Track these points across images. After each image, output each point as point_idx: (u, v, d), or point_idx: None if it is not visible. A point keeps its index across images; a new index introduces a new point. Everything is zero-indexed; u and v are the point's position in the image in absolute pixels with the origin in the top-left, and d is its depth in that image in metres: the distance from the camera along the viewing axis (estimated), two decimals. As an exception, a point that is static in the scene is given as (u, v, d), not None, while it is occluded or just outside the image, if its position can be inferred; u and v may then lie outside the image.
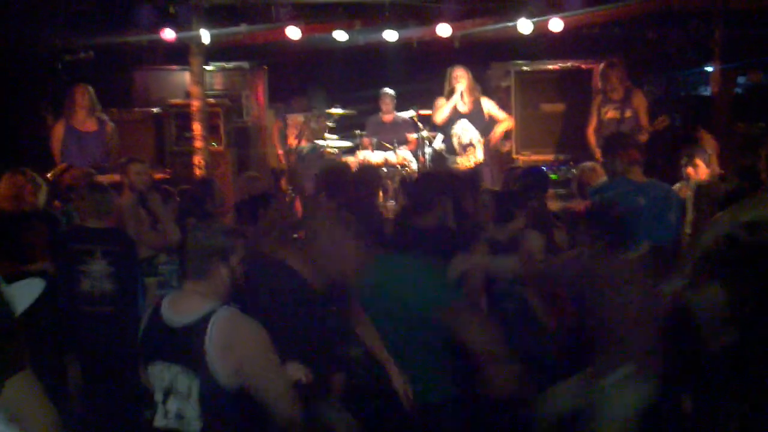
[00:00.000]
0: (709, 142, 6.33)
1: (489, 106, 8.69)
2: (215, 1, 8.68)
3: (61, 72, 9.33)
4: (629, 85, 8.22)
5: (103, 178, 6.98)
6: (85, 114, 7.48)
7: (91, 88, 7.57)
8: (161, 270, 5.57)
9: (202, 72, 8.37)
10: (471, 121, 8.49)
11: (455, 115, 8.49)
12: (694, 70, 9.96)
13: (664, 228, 4.95)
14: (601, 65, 8.38)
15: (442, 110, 8.50)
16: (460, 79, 8.45)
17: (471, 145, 8.44)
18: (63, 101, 7.67)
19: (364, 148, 9.36)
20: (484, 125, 8.57)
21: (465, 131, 8.45)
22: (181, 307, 3.03)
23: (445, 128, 8.62)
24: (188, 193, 6.28)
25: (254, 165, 9.20)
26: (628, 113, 8.05)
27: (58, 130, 7.46)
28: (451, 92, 8.49)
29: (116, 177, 6.82)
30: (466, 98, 8.52)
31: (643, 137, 7.52)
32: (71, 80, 9.16)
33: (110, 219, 5.22)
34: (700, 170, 5.95)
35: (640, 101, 8.14)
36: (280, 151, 9.56)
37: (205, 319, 2.92)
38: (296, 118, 9.61)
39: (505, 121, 8.82)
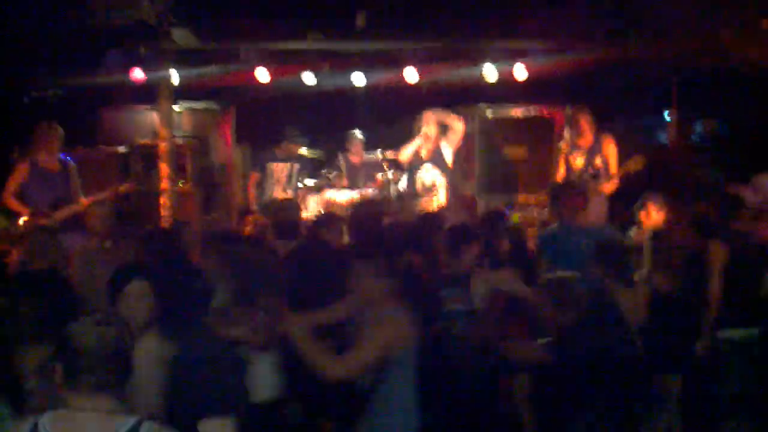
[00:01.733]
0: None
1: (445, 148, 8.63)
2: (185, 43, 8.76)
3: (27, 108, 9.32)
4: (598, 131, 7.94)
5: (63, 213, 7.03)
6: (50, 153, 7.44)
7: (58, 128, 7.53)
8: None
9: (171, 113, 8.41)
10: (434, 164, 8.59)
11: (418, 159, 8.56)
12: (653, 118, 10.21)
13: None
14: (568, 110, 8.34)
15: (406, 149, 8.55)
16: (428, 122, 8.51)
17: (434, 187, 8.53)
18: (28, 138, 7.61)
19: (337, 186, 9.39)
20: (447, 169, 8.66)
21: (428, 173, 8.55)
22: None
23: (410, 171, 8.68)
24: (158, 237, 6.28)
25: (220, 204, 9.23)
26: (597, 161, 7.80)
27: (23, 169, 7.39)
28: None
29: (75, 209, 6.93)
30: (431, 143, 8.58)
31: (611, 185, 7.53)
32: (38, 117, 9.18)
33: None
34: (652, 216, 6.11)
35: (610, 148, 7.85)
36: (254, 208, 8.69)
37: None
38: (280, 167, 9.18)
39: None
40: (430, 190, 8.53)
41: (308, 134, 9.72)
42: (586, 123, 7.87)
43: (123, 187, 7.73)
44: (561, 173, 8.06)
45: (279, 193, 9.04)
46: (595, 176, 7.63)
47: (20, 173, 7.38)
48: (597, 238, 5.18)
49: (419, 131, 8.54)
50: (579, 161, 7.87)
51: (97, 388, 2.30)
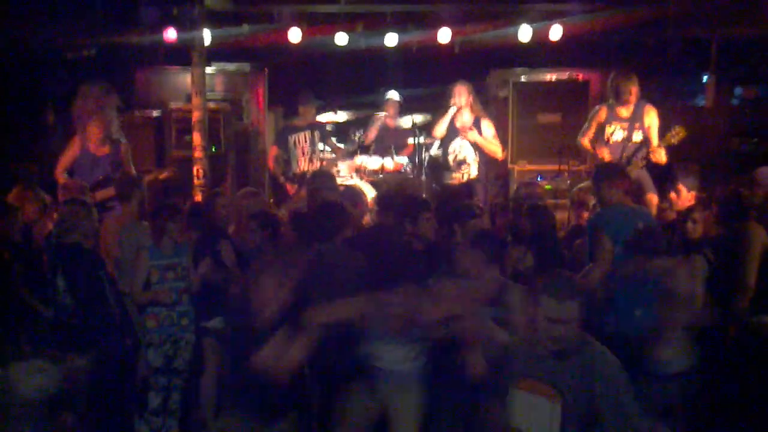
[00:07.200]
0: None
1: (486, 127, 8.43)
2: (217, 4, 8.71)
3: (62, 70, 9.37)
4: (640, 101, 7.38)
5: (103, 194, 7.09)
6: (101, 140, 7.42)
7: (109, 117, 7.48)
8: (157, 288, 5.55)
9: (203, 79, 8.36)
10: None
11: (453, 132, 8.37)
12: (691, 80, 9.98)
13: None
14: (612, 74, 7.55)
15: (440, 125, 8.34)
16: (461, 94, 8.28)
17: (465, 162, 8.36)
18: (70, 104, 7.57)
19: (368, 147, 9.35)
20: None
21: (461, 148, 8.36)
22: None
23: (443, 143, 8.54)
24: (193, 209, 6.37)
25: (253, 168, 9.27)
26: (637, 135, 7.35)
27: (75, 146, 7.39)
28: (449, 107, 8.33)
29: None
30: (466, 115, 8.38)
31: (656, 157, 7.09)
32: (73, 78, 9.22)
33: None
34: (682, 196, 6.03)
35: (652, 120, 7.31)
36: (282, 180, 8.88)
37: None
38: (301, 137, 9.08)
39: (495, 147, 8.39)
40: (461, 165, 8.41)
41: (342, 96, 9.69)
42: (629, 90, 7.28)
43: (163, 175, 7.76)
44: (589, 135, 7.56)
45: (304, 164, 8.96)
46: (632, 159, 7.25)
47: (72, 151, 7.39)
48: (646, 220, 5.15)
49: (451, 103, 8.34)
50: (617, 134, 7.42)
51: None
